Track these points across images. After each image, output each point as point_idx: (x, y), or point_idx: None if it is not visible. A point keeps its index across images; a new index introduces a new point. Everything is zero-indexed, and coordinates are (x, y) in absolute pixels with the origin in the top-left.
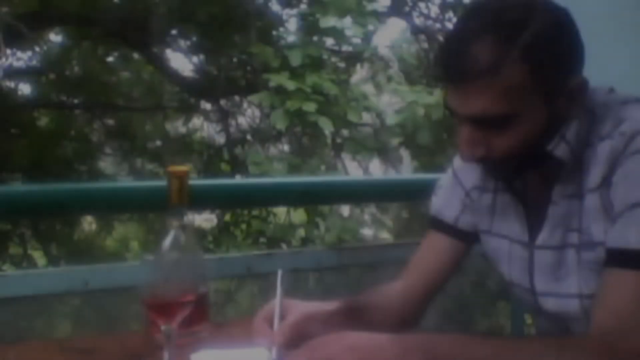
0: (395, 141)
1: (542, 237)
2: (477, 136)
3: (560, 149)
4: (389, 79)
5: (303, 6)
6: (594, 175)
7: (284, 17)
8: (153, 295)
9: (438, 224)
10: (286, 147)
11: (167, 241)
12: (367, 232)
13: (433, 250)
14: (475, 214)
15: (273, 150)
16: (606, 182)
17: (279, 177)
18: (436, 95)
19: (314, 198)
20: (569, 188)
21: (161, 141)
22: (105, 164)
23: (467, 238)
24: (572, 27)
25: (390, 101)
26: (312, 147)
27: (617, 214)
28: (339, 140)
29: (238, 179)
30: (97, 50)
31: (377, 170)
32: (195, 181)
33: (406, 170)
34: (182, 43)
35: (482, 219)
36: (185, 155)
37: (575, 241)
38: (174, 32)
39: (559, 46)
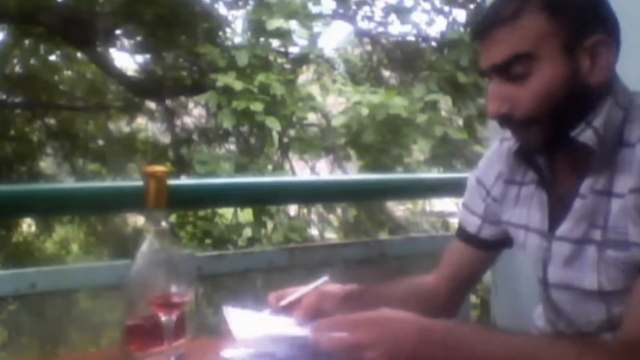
0: (341, 140)
1: (563, 229)
2: (502, 91)
3: (586, 135)
4: (334, 80)
5: (250, 8)
6: (628, 178)
7: (230, 18)
8: (128, 305)
9: (462, 234)
10: (232, 147)
11: (144, 247)
12: (314, 231)
13: (459, 258)
14: (500, 207)
15: (219, 150)
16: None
17: (235, 177)
18: (380, 95)
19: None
20: (599, 183)
21: (104, 141)
22: (46, 164)
23: (491, 248)
24: None
25: (336, 102)
26: (259, 146)
27: None
28: (286, 140)
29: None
30: (39, 49)
31: (324, 169)
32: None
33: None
34: (127, 42)
35: (507, 210)
36: (128, 155)
37: (598, 238)
38: (118, 31)
39: (582, 1)
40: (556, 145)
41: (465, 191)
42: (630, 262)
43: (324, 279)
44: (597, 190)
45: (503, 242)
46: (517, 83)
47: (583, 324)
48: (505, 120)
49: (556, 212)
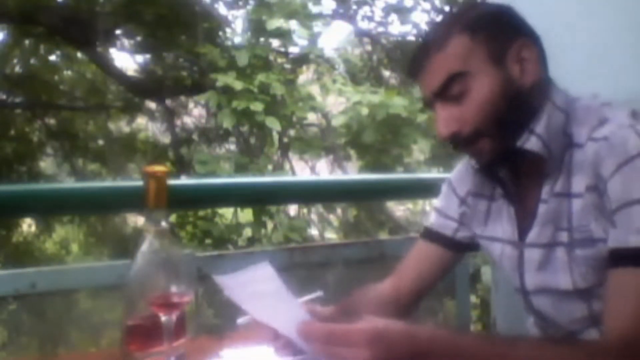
0: (341, 140)
1: (532, 235)
2: (447, 113)
3: (531, 143)
4: (334, 80)
5: (250, 8)
6: (582, 177)
7: (230, 18)
8: (128, 305)
9: (433, 235)
10: (232, 147)
11: (144, 247)
12: (314, 231)
13: (428, 259)
14: (471, 218)
15: (219, 150)
16: (598, 186)
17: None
18: (380, 95)
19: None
20: (557, 186)
21: (104, 141)
22: (46, 164)
23: (462, 249)
24: (511, 10)
25: (336, 102)
26: (259, 146)
27: (615, 214)
28: (286, 140)
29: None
30: (39, 49)
31: (324, 169)
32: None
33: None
34: (127, 42)
35: (478, 224)
36: (128, 155)
37: (565, 240)
38: (118, 31)
39: (495, 17)
40: (507, 155)
41: (440, 196)
42: (600, 257)
43: (318, 293)
44: (557, 193)
45: (475, 245)
46: (459, 102)
47: (567, 324)
48: (456, 140)
49: (525, 222)
